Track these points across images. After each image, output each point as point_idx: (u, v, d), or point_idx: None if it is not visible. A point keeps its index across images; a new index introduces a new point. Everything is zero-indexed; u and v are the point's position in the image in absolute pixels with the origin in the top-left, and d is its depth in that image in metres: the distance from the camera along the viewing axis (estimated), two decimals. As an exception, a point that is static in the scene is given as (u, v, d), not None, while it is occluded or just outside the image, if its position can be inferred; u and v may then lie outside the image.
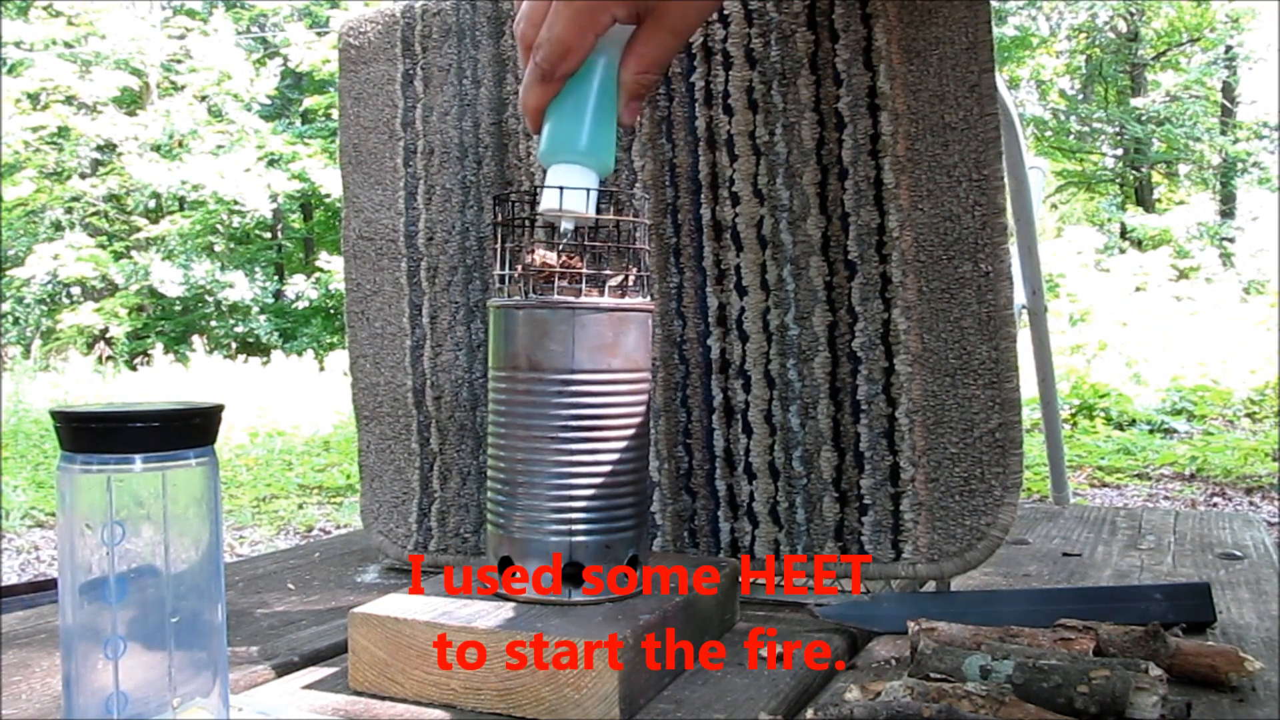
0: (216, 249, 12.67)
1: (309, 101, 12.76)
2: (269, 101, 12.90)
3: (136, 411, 0.49)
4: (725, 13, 0.87)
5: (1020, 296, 1.51)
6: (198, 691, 0.52)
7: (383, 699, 0.64)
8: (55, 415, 0.49)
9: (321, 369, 9.49)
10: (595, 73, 0.68)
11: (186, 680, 0.51)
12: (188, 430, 0.50)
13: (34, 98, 11.40)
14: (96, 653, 0.49)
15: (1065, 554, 1.08)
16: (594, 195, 0.68)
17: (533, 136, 0.95)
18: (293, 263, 14.06)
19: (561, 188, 0.67)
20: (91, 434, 0.49)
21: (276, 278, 13.46)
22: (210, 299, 12.28)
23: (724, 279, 0.88)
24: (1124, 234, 11.42)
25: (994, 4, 0.80)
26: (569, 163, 0.67)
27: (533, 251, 0.70)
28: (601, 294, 0.69)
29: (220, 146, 11.91)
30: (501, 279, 0.72)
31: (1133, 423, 4.97)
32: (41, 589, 1.18)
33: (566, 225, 0.69)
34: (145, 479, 0.49)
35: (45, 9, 11.55)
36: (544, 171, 0.69)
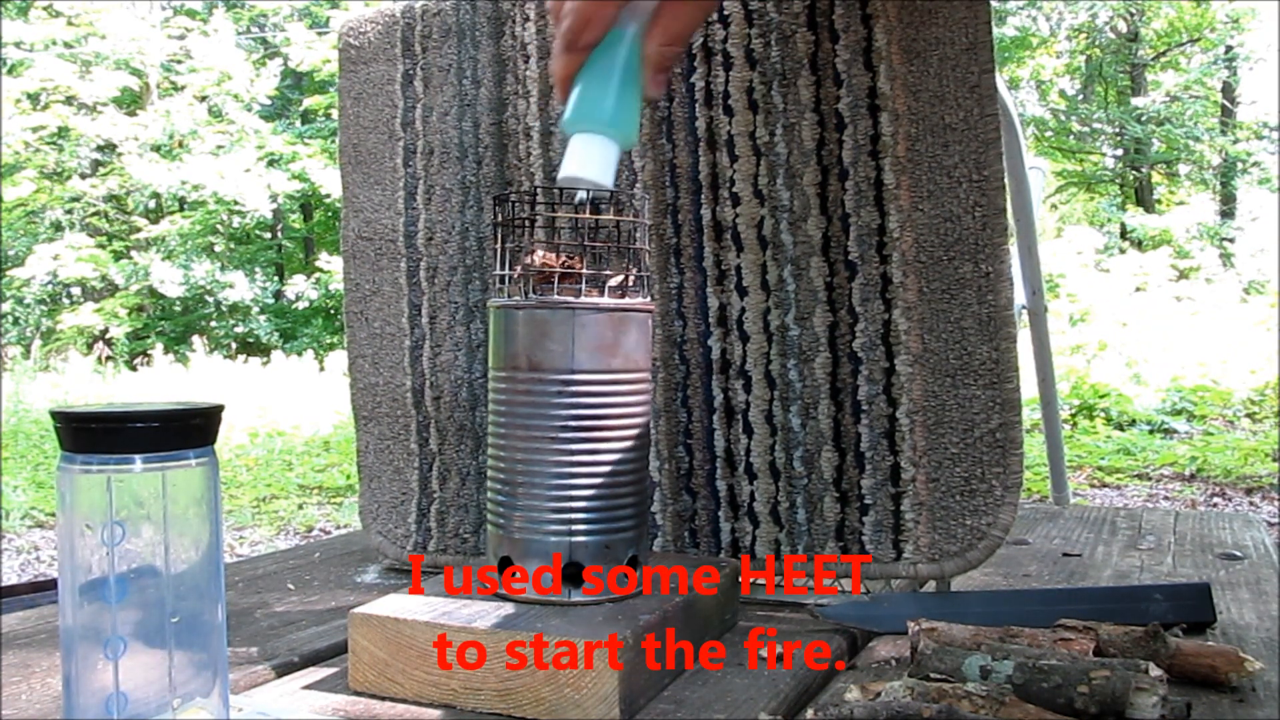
0: (216, 249, 12.67)
1: (309, 101, 12.76)
2: (269, 101, 12.89)
3: (136, 412, 0.49)
4: (725, 13, 0.87)
5: (1020, 297, 1.51)
6: (198, 692, 0.52)
7: (383, 699, 0.64)
8: (55, 415, 0.49)
9: (321, 369, 9.49)
10: (623, 45, 0.67)
11: (186, 680, 0.51)
12: (188, 430, 0.50)
13: (34, 98, 11.39)
14: (96, 653, 0.49)
15: (1065, 554, 1.08)
16: (614, 165, 0.67)
17: (532, 137, 0.95)
18: (293, 263, 14.06)
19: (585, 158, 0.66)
20: (91, 434, 0.49)
21: (276, 278, 13.45)
22: (210, 299, 12.27)
23: (724, 279, 0.88)
24: (1124, 234, 11.41)
25: (994, 4, 0.80)
26: (591, 132, 0.67)
27: (533, 251, 0.70)
28: (601, 294, 0.69)
29: (220, 147, 11.91)
30: (501, 279, 0.72)
31: (1133, 423, 4.97)
32: (41, 589, 1.18)
33: (581, 195, 0.68)
34: (145, 479, 0.49)
35: (45, 9, 11.55)
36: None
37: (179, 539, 0.50)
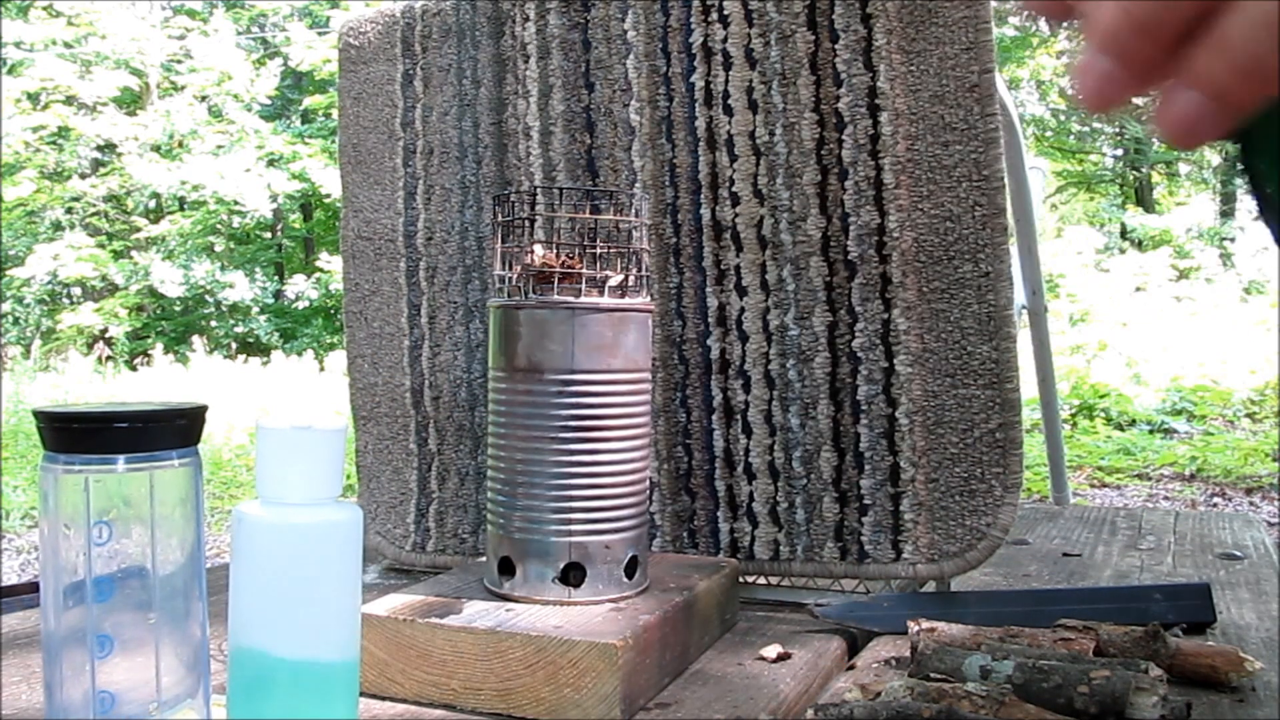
0: (216, 249, 12.66)
1: (309, 101, 12.75)
2: (269, 101, 12.88)
3: (119, 412, 0.48)
4: (725, 13, 0.87)
5: (1020, 297, 1.51)
6: (186, 692, 0.51)
7: (383, 699, 0.64)
8: (38, 415, 0.49)
9: (321, 369, 9.48)
10: None
11: (174, 681, 0.51)
12: (171, 431, 0.50)
13: (34, 98, 11.39)
14: (82, 654, 0.49)
15: (1065, 554, 1.08)
16: None
17: (531, 137, 0.95)
18: (293, 263, 14.05)
19: None
20: (73, 434, 0.48)
21: (276, 278, 13.45)
22: (210, 299, 12.26)
23: (724, 279, 0.87)
24: (1124, 234, 11.41)
25: (994, 4, 0.80)
26: None
27: (532, 251, 0.70)
28: (601, 294, 0.69)
29: (220, 147, 11.90)
30: (501, 279, 0.72)
31: (1133, 423, 4.97)
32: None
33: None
34: (130, 479, 0.49)
35: (45, 9, 11.54)
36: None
37: (165, 540, 0.50)
